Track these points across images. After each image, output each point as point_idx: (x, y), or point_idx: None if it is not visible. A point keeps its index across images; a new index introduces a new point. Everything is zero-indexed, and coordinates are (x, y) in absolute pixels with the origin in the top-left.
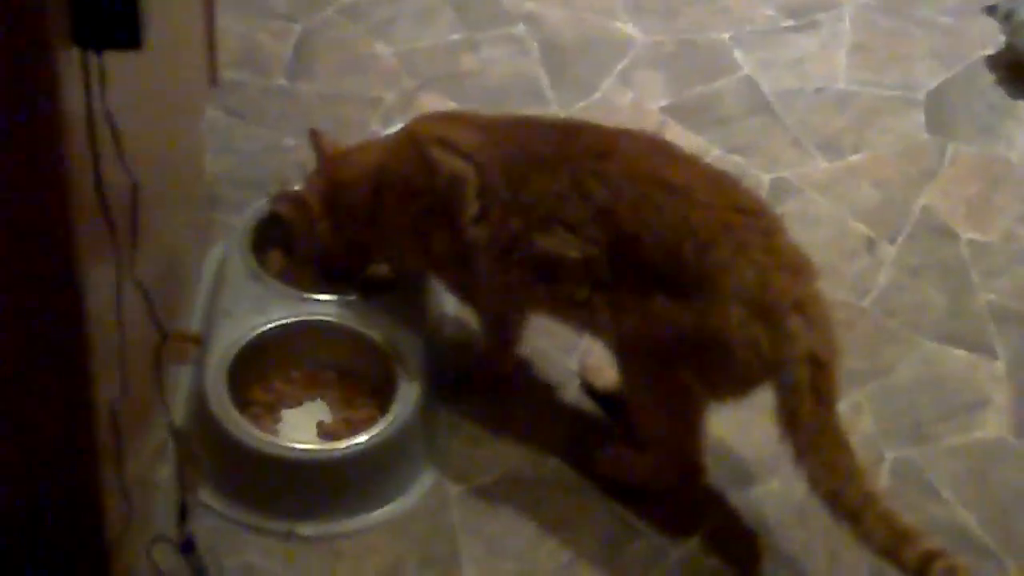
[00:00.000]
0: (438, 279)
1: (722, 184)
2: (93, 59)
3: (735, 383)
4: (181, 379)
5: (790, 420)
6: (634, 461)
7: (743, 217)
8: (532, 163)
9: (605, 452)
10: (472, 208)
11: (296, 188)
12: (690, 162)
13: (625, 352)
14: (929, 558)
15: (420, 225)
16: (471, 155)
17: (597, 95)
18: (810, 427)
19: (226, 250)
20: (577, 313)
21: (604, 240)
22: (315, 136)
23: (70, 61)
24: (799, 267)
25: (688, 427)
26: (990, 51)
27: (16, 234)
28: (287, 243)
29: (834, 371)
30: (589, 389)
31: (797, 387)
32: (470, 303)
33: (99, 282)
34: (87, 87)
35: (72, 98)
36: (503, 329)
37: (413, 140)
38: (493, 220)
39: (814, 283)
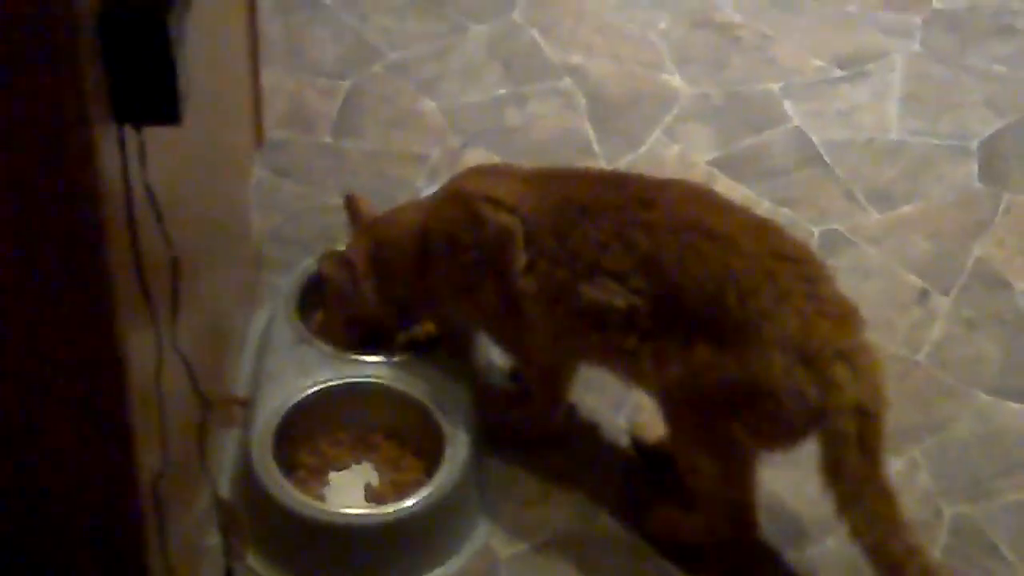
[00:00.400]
0: (487, 333)
1: (765, 232)
2: (132, 133)
3: (782, 432)
4: (228, 443)
5: (834, 471)
6: (684, 520)
7: (786, 264)
8: (576, 213)
9: (655, 513)
10: (520, 260)
11: (340, 249)
12: (734, 210)
13: (670, 403)
14: None
15: (468, 280)
16: (516, 208)
17: (644, 148)
18: (854, 479)
19: (272, 312)
20: (624, 363)
21: (649, 289)
22: (351, 200)
23: (109, 136)
24: (844, 315)
25: (739, 479)
26: None
27: (56, 306)
28: (327, 303)
29: (881, 423)
30: (639, 446)
31: (843, 437)
32: (519, 357)
33: (141, 354)
34: (124, 162)
35: (110, 173)
36: (552, 382)
37: (458, 197)
38: (540, 271)
39: (860, 332)
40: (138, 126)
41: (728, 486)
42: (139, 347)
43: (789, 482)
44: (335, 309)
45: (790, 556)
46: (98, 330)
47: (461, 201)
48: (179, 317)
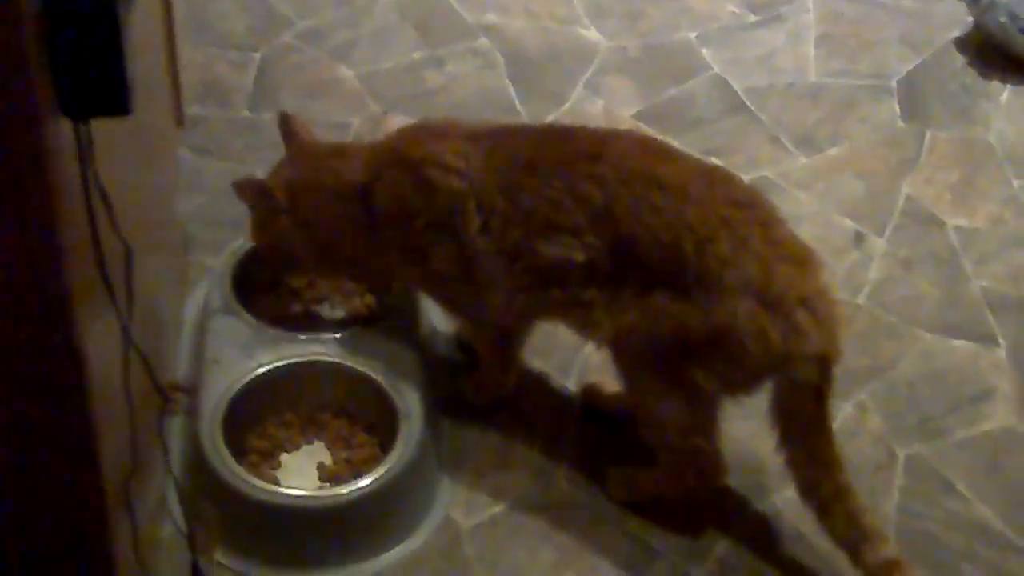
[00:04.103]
0: (438, 298)
1: (715, 178)
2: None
3: (743, 378)
4: (172, 431)
5: (786, 413)
6: (644, 477)
7: (740, 210)
8: (524, 170)
9: (613, 473)
10: (474, 223)
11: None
12: (682, 158)
13: (628, 354)
14: (889, 566)
15: (420, 245)
16: (463, 169)
17: (567, 105)
18: (804, 421)
19: (208, 293)
20: (582, 315)
21: (604, 242)
22: (287, 120)
23: (59, 132)
24: (803, 259)
25: (702, 426)
26: (958, 33)
27: (15, 306)
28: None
29: (834, 368)
30: (589, 408)
31: (801, 384)
32: (470, 321)
33: (100, 348)
34: (81, 157)
35: (63, 169)
36: (503, 347)
37: (403, 162)
38: (494, 231)
39: (819, 275)
40: (86, 120)
41: (691, 434)
42: (99, 341)
43: (744, 434)
44: (255, 235)
45: (751, 509)
46: (57, 327)
47: (407, 167)
48: (134, 309)
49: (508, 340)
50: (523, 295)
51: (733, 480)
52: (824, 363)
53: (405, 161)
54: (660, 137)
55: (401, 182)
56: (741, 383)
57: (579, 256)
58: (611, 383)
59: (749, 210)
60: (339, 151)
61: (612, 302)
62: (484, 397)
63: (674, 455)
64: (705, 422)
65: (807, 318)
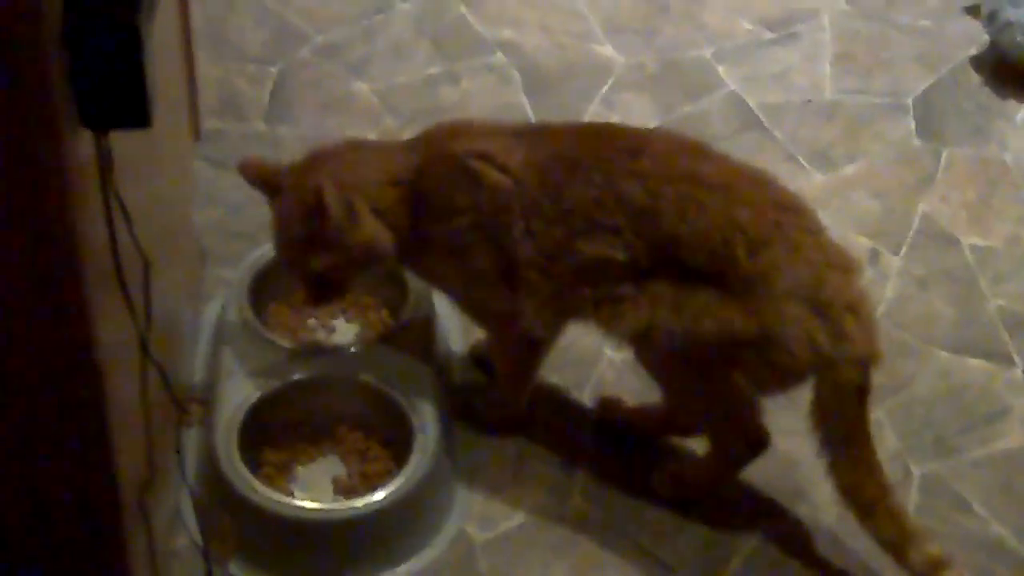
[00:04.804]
0: (469, 303)
1: (763, 182)
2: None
3: (784, 380)
4: (187, 443)
5: (829, 416)
6: (691, 468)
7: (789, 215)
8: (566, 168)
9: (661, 477)
10: (519, 222)
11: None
12: (725, 159)
13: (660, 351)
14: (935, 564)
15: (462, 243)
16: (508, 166)
17: (582, 120)
18: (846, 424)
19: (224, 306)
20: (609, 310)
21: (646, 240)
22: (249, 167)
23: (79, 144)
24: (848, 264)
25: (742, 407)
26: (974, 51)
27: (32, 315)
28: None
29: (872, 372)
30: (606, 422)
31: (845, 387)
32: (497, 329)
33: (118, 361)
34: (101, 169)
35: (83, 181)
36: (528, 358)
37: (449, 156)
38: (536, 231)
39: (861, 280)
40: (106, 132)
41: (732, 416)
42: (116, 353)
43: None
44: (317, 255)
45: (765, 524)
46: (75, 338)
47: (454, 161)
48: (152, 322)
49: (532, 351)
50: (561, 296)
51: (745, 497)
52: (865, 365)
53: (450, 154)
54: None
55: (448, 177)
56: (779, 385)
57: (620, 255)
58: (628, 397)
59: (796, 215)
60: (377, 150)
61: (643, 296)
62: (499, 416)
63: (719, 435)
64: (744, 406)
65: (853, 323)
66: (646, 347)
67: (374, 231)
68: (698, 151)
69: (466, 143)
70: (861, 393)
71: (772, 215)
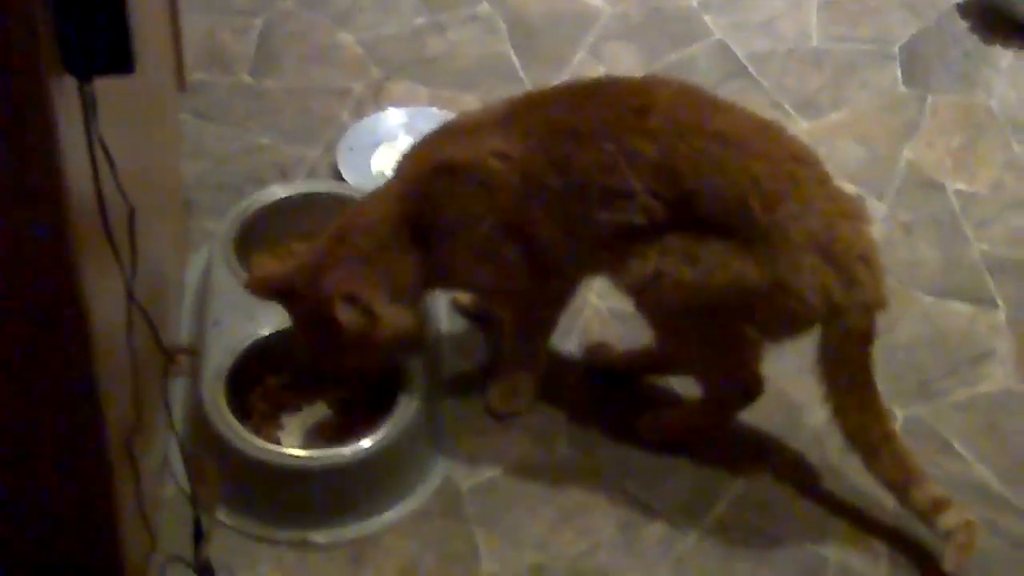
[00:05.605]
0: (499, 299)
1: (773, 132)
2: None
3: (794, 328)
4: (175, 393)
5: (836, 361)
6: (676, 415)
7: (803, 167)
8: (570, 140)
9: (648, 423)
10: (537, 209)
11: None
12: (734, 109)
13: (668, 301)
14: (937, 504)
15: (489, 247)
16: (510, 155)
17: (570, 69)
18: (854, 368)
19: (210, 257)
20: (617, 263)
21: (662, 199)
22: (260, 279)
23: (63, 90)
24: (856, 213)
25: (746, 357)
26: None
27: (17, 262)
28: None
29: (876, 315)
30: (596, 368)
31: (854, 332)
32: (526, 316)
33: (104, 308)
34: (85, 115)
35: (68, 127)
36: (548, 323)
37: (447, 168)
38: (554, 211)
39: (869, 228)
40: (90, 78)
41: (733, 367)
42: (103, 301)
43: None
44: (347, 356)
45: (748, 468)
46: (61, 282)
47: (455, 173)
48: (137, 269)
49: (554, 314)
50: (581, 263)
51: (730, 442)
52: (873, 312)
53: (451, 168)
54: None
55: (455, 189)
56: (788, 333)
57: (639, 218)
58: (614, 343)
59: (808, 167)
60: (359, 210)
61: (651, 247)
62: (509, 404)
63: (716, 387)
64: (746, 354)
65: (863, 271)
66: (652, 297)
67: (396, 324)
68: (707, 102)
69: (459, 148)
70: (867, 338)
71: (786, 167)
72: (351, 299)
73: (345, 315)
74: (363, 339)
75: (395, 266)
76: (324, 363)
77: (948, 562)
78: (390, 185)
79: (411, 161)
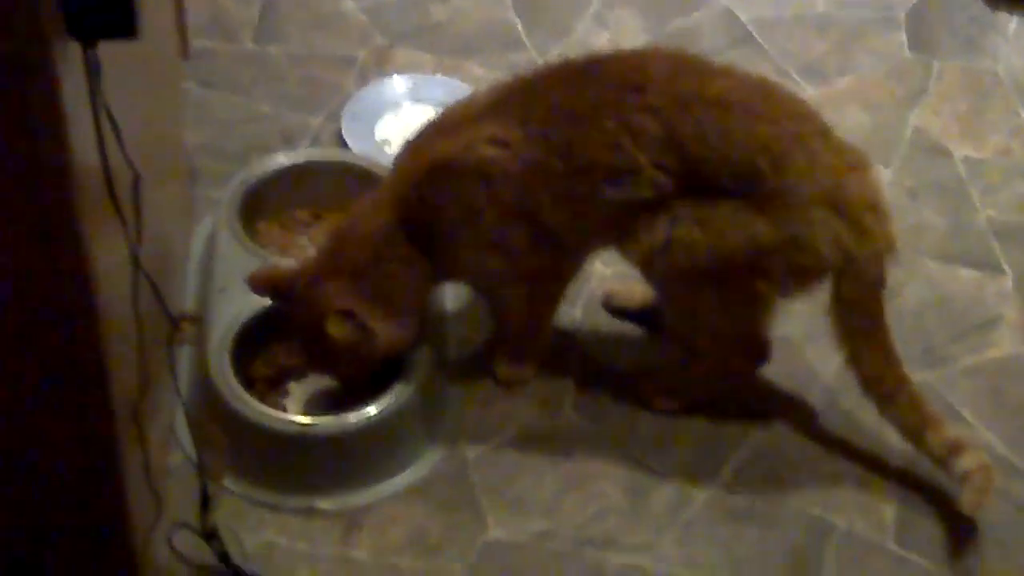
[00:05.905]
0: (511, 289)
1: (769, 92)
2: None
3: (808, 282)
4: (181, 360)
5: (849, 310)
6: (687, 380)
7: (804, 123)
8: (569, 123)
9: (646, 385)
10: (542, 194)
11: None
12: (726, 73)
13: (680, 267)
14: (953, 447)
15: (496, 238)
16: (509, 142)
17: (574, 36)
18: (867, 316)
19: (214, 224)
20: (625, 234)
21: (669, 172)
22: (260, 280)
23: (67, 54)
24: (860, 163)
25: (755, 319)
26: None
27: (26, 229)
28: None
29: (887, 261)
30: (619, 311)
31: (866, 279)
32: (540, 300)
33: (110, 276)
34: (90, 80)
35: (72, 92)
36: (554, 298)
37: (444, 166)
38: (559, 195)
39: (873, 175)
40: (94, 42)
41: (744, 332)
42: (108, 268)
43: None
44: (344, 364)
45: (755, 432)
46: (67, 247)
47: (450, 168)
48: (143, 238)
49: (559, 289)
50: (588, 240)
51: (736, 404)
52: (884, 256)
53: (446, 166)
54: None
55: (453, 189)
56: (801, 287)
57: (647, 192)
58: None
59: (809, 122)
60: (354, 221)
61: (659, 216)
62: (515, 372)
63: (723, 349)
64: (756, 318)
65: (873, 219)
66: (664, 264)
67: (391, 338)
68: (700, 68)
69: (453, 142)
70: (880, 283)
71: (790, 126)
72: (346, 315)
73: (339, 331)
74: (357, 353)
75: (392, 278)
76: (319, 369)
77: (964, 504)
78: (386, 189)
79: (405, 162)
